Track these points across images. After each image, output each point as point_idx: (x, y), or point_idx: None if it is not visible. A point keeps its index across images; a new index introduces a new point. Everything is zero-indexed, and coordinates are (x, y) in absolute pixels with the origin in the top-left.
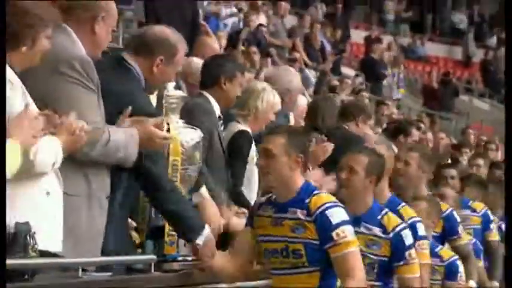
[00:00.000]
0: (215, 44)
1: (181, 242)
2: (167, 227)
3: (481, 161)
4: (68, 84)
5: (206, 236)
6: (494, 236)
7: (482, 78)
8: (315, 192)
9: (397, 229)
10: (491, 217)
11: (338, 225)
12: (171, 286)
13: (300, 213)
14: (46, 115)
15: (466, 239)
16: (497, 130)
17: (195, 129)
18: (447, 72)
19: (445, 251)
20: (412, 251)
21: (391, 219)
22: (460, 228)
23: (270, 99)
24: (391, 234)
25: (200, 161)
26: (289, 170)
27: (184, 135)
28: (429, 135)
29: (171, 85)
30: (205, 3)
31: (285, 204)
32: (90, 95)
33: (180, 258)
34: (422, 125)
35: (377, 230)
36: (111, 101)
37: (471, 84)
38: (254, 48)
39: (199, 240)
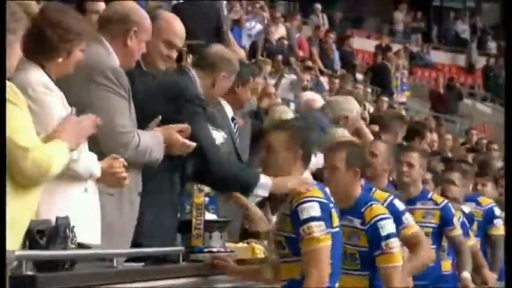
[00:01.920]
0: (239, 54)
1: (207, 234)
2: (194, 221)
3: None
4: (101, 91)
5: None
6: (497, 230)
7: (484, 84)
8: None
9: (374, 220)
10: (498, 212)
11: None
12: (198, 275)
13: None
14: (89, 119)
15: (459, 229)
16: (498, 132)
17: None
18: (452, 78)
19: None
20: (390, 241)
21: (372, 211)
22: (455, 220)
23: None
24: (367, 226)
25: None
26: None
27: None
28: (434, 136)
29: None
30: (225, 11)
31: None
32: (122, 102)
33: (205, 250)
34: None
35: (357, 222)
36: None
37: (474, 89)
38: (279, 57)
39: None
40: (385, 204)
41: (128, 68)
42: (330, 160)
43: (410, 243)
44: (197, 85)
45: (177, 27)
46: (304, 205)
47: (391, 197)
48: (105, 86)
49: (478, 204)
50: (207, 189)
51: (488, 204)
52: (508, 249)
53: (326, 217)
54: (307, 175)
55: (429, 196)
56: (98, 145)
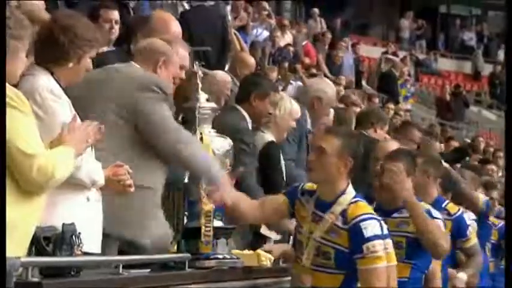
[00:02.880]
0: (251, 59)
1: (213, 241)
2: (203, 228)
3: (494, 167)
4: (153, 100)
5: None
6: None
7: (490, 91)
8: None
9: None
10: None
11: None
12: (203, 281)
13: (334, 220)
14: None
15: (474, 240)
16: (504, 138)
17: (225, 137)
18: (458, 85)
19: (451, 206)
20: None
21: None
22: (469, 230)
23: (287, 106)
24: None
25: (230, 167)
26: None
27: (215, 144)
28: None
29: (203, 97)
30: (229, 17)
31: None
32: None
33: (212, 257)
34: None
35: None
36: None
37: (480, 96)
38: (286, 64)
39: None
40: (454, 216)
41: None
42: (319, 143)
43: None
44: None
45: (172, 25)
46: (367, 222)
47: (461, 210)
48: (155, 96)
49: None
50: None
51: (457, 213)
52: (508, 248)
53: (385, 237)
54: (351, 188)
55: (443, 205)
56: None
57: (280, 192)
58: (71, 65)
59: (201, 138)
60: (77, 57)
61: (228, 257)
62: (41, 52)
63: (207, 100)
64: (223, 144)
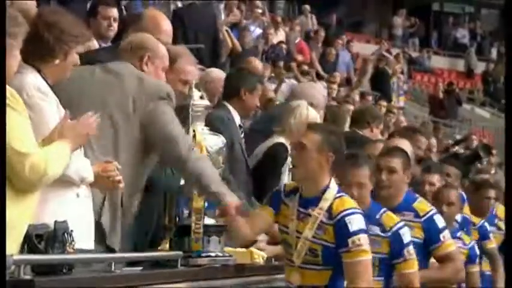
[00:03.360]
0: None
1: (205, 239)
2: (193, 225)
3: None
4: (166, 106)
5: None
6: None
7: (484, 89)
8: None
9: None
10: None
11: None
12: (196, 279)
13: (321, 216)
14: (87, 119)
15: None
16: (497, 136)
17: (218, 135)
18: (451, 83)
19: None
20: (358, 237)
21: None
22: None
23: (304, 112)
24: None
25: (223, 165)
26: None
27: (208, 141)
28: (433, 141)
29: (196, 95)
30: (223, 14)
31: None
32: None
33: (203, 254)
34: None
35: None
36: None
37: (473, 94)
38: (280, 63)
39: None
40: (424, 218)
41: None
42: (299, 139)
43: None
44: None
45: (163, 25)
46: (351, 216)
47: (433, 211)
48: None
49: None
50: None
51: (427, 213)
52: (508, 253)
53: (367, 228)
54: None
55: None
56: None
57: (264, 202)
58: (57, 61)
59: (194, 136)
60: (63, 54)
61: (221, 254)
62: (27, 49)
63: (201, 97)
64: (217, 141)
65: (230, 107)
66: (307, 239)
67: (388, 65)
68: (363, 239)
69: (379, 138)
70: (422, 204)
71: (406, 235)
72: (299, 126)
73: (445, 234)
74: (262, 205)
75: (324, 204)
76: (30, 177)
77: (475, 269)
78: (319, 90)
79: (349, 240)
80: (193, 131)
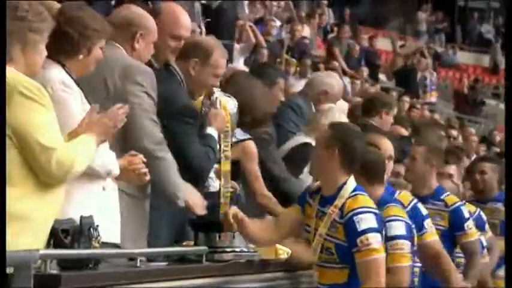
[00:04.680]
0: None
1: (230, 234)
2: (222, 190)
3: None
4: (141, 93)
5: None
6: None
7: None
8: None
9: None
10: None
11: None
12: (221, 275)
13: (335, 214)
14: (114, 112)
15: (474, 235)
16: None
17: (232, 98)
18: (476, 80)
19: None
20: (366, 237)
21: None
22: (468, 224)
23: (335, 117)
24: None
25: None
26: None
27: (229, 104)
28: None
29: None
30: (247, 10)
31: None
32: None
33: (229, 250)
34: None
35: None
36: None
37: (498, 90)
38: (308, 60)
39: None
40: (409, 208)
41: None
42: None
43: (428, 253)
44: (181, 78)
45: (182, 19)
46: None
47: (415, 200)
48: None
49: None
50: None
51: (454, 204)
52: (508, 251)
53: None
54: (352, 181)
55: (442, 197)
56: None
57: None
58: (81, 56)
59: (219, 101)
60: (87, 49)
61: (246, 250)
62: (51, 45)
63: None
64: (231, 104)
65: None
66: (321, 236)
67: (417, 61)
68: (372, 237)
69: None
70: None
71: (364, 223)
72: None
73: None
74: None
75: (338, 202)
76: (56, 172)
77: (485, 259)
78: (337, 80)
79: (358, 240)
80: (213, 93)
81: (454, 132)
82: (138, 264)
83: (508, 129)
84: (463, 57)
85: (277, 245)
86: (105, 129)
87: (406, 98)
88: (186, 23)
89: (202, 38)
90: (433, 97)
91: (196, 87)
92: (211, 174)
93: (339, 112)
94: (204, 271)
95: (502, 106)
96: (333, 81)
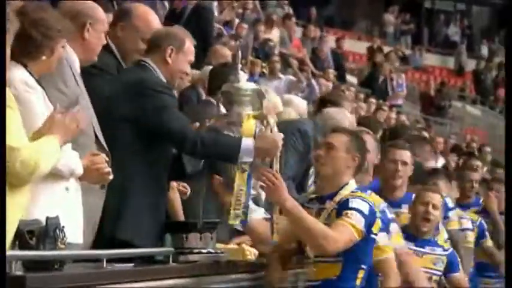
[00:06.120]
0: (227, 51)
1: (197, 235)
2: (233, 201)
3: (479, 163)
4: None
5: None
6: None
7: (474, 86)
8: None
9: (345, 199)
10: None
11: (351, 208)
12: (187, 276)
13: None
14: (76, 113)
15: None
16: (489, 134)
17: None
18: (443, 82)
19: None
20: (351, 212)
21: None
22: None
23: (291, 115)
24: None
25: None
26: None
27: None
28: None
29: (243, 77)
30: (216, 12)
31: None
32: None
33: (195, 251)
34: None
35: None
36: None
37: (464, 92)
38: (276, 58)
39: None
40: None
41: (90, 62)
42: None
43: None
44: (158, 74)
45: (153, 22)
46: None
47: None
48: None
49: None
50: None
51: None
52: (508, 249)
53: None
54: (353, 182)
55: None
56: None
57: None
58: (44, 57)
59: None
60: (49, 49)
61: (213, 251)
62: (14, 46)
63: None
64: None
65: (214, 102)
66: None
67: (381, 62)
68: (355, 216)
69: None
70: None
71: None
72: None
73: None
74: None
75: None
76: (20, 172)
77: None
78: (347, 115)
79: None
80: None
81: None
82: (105, 266)
83: (508, 133)
84: (430, 59)
85: (245, 246)
86: (68, 129)
87: (373, 100)
88: (157, 25)
89: (170, 28)
90: (400, 99)
91: (172, 75)
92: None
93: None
94: (171, 272)
95: (468, 108)
96: (344, 117)
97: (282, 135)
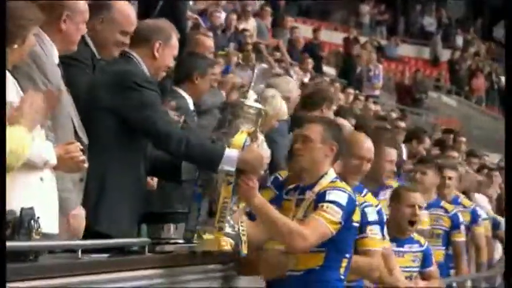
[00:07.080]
0: (210, 41)
1: (172, 226)
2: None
3: (455, 153)
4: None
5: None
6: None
7: (450, 77)
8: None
9: (324, 190)
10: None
11: (329, 201)
12: (163, 266)
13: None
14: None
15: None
16: (464, 124)
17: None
18: (417, 71)
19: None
20: (327, 205)
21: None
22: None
23: (278, 105)
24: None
25: None
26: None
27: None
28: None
29: (252, 96)
30: (191, 2)
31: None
32: None
33: (171, 241)
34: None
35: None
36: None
37: (439, 82)
38: (250, 46)
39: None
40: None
41: (68, 53)
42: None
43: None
44: (143, 68)
45: (132, 15)
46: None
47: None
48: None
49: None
50: None
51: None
52: (508, 247)
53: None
54: (332, 171)
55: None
56: None
57: None
58: (15, 46)
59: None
60: (21, 39)
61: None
62: None
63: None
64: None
65: (183, 92)
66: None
67: (358, 52)
68: (331, 208)
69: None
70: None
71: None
72: (271, 117)
73: None
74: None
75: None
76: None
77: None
78: (293, 85)
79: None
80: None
81: (402, 124)
82: (80, 256)
83: (508, 130)
84: (405, 49)
85: (220, 236)
86: (37, 109)
87: (351, 90)
88: (135, 19)
89: (158, 21)
90: (376, 89)
91: (157, 69)
92: None
93: (281, 101)
94: (147, 263)
95: (443, 98)
96: (291, 87)
97: (268, 152)
